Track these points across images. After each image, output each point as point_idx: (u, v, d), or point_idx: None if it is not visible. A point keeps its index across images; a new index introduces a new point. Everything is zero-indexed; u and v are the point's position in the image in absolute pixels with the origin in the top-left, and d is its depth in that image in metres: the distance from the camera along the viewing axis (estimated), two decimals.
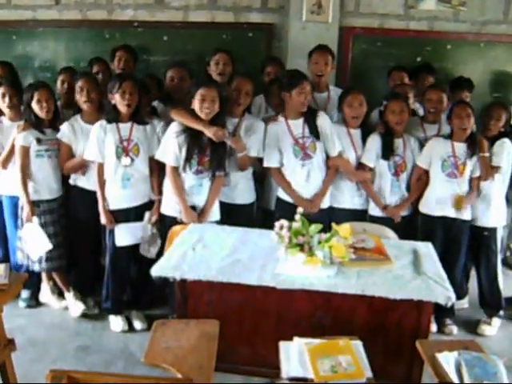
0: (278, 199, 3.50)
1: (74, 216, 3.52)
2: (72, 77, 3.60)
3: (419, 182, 3.46)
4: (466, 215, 3.42)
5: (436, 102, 3.53)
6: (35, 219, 3.35)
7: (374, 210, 3.51)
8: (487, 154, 3.32)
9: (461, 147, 3.34)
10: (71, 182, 3.49)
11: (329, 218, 3.19)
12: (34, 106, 3.29)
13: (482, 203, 3.44)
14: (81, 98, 3.33)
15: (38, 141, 3.34)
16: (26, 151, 3.32)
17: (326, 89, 3.75)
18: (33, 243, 3.37)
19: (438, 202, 3.39)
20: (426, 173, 3.44)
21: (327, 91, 3.74)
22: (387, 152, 3.41)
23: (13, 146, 3.35)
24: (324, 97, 3.72)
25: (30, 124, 3.33)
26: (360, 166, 3.49)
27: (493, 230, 3.49)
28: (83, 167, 3.41)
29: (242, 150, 3.26)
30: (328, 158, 3.42)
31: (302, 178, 3.39)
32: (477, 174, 3.37)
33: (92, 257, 3.67)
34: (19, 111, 3.43)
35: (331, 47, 3.80)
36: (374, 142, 3.44)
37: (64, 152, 3.39)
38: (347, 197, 3.53)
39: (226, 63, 3.74)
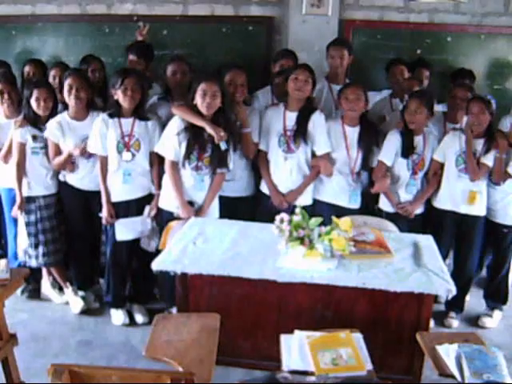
0: (260, 192, 3.49)
1: (65, 211, 3.52)
2: (63, 72, 3.54)
3: (435, 176, 3.40)
4: (478, 211, 3.36)
5: (461, 99, 3.43)
6: (20, 216, 3.39)
7: (386, 206, 3.44)
8: (504, 156, 3.22)
9: (478, 143, 3.26)
10: (61, 178, 3.46)
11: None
12: (33, 103, 3.30)
13: (503, 200, 3.37)
14: (69, 97, 3.27)
15: (34, 138, 3.34)
16: (22, 147, 3.34)
17: (342, 82, 3.74)
18: (20, 237, 3.44)
19: (449, 196, 3.35)
20: (442, 167, 3.37)
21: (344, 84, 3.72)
22: (407, 150, 3.31)
23: (11, 142, 3.37)
24: None
25: (27, 120, 3.33)
26: (377, 164, 3.37)
27: None
28: (70, 164, 3.38)
29: (245, 123, 3.28)
30: (313, 156, 3.37)
31: (285, 172, 3.38)
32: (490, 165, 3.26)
33: (88, 252, 3.65)
34: (16, 108, 3.43)
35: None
36: (395, 139, 3.33)
37: (52, 150, 3.36)
38: (336, 192, 3.43)
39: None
